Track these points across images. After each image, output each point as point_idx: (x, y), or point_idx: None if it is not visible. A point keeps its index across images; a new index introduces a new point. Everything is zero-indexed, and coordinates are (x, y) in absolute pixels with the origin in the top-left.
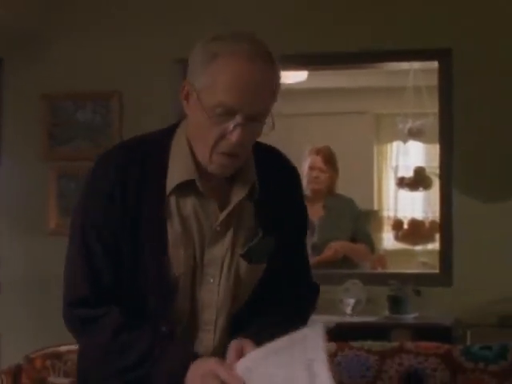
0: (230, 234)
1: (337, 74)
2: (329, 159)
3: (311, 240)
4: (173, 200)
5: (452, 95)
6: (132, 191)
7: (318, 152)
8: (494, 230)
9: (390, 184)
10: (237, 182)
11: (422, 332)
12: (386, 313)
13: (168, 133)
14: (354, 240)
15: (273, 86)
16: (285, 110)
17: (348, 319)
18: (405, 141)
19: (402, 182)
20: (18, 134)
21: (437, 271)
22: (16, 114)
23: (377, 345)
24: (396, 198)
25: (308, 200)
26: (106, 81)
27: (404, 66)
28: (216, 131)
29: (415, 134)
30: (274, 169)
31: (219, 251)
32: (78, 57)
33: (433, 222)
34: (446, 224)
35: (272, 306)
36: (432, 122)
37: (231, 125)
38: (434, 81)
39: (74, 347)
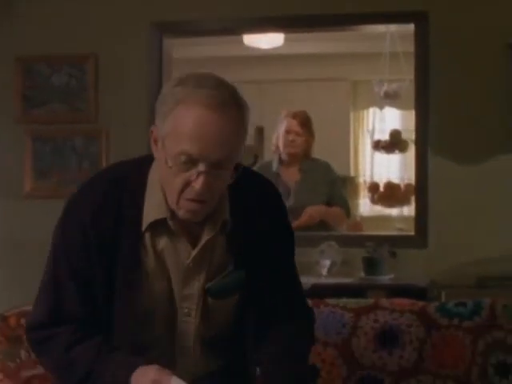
0: (203, 270)
1: (314, 40)
2: (305, 123)
3: (287, 203)
4: (148, 237)
5: (428, 58)
6: (108, 228)
7: (294, 116)
8: (469, 193)
9: (366, 150)
10: (209, 219)
11: (398, 293)
12: (362, 274)
13: (144, 169)
14: (329, 204)
15: (237, 133)
16: (261, 76)
17: (323, 280)
18: (381, 107)
19: (378, 145)
20: None
21: (412, 233)
22: None
23: (352, 302)
24: (372, 163)
25: (284, 164)
26: (81, 43)
27: (381, 29)
28: (181, 178)
29: (391, 97)
30: (252, 200)
31: (195, 287)
32: (52, 19)
33: (408, 185)
34: (421, 186)
35: (270, 336)
36: (408, 86)
37: (195, 172)
38: (410, 47)
39: None
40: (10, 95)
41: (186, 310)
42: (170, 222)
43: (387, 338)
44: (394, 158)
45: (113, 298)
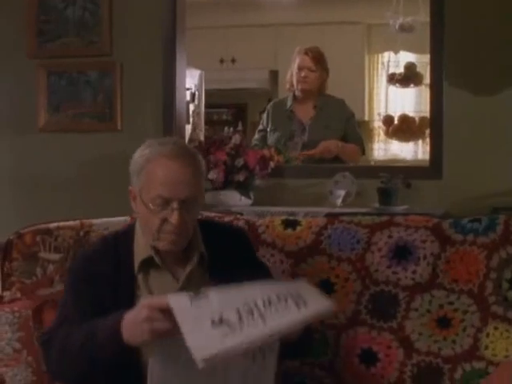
0: None
1: None
2: (318, 58)
3: (302, 139)
4: (140, 276)
5: None
6: (107, 273)
7: (306, 52)
8: (484, 124)
9: (380, 94)
10: (188, 255)
11: None
12: (376, 205)
13: (130, 226)
14: (344, 141)
15: (196, 175)
16: (275, 20)
17: (338, 210)
18: (396, 51)
19: (393, 78)
20: (6, 31)
21: (427, 164)
22: (3, 12)
23: (366, 219)
24: (386, 101)
25: (298, 101)
26: None
27: None
28: (159, 218)
29: (406, 30)
30: (221, 238)
31: None
32: None
33: (423, 119)
34: (436, 116)
35: None
36: (423, 21)
37: (169, 211)
38: None
39: (64, 223)
40: (23, 30)
41: None
42: (156, 257)
43: (401, 253)
44: (409, 95)
45: None
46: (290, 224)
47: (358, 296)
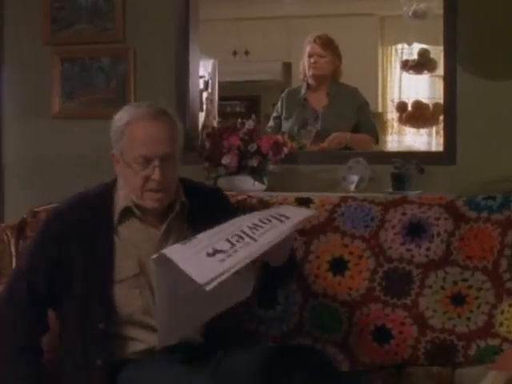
0: (171, 242)
1: None
2: (327, 44)
3: (315, 127)
4: (121, 227)
5: None
6: (85, 218)
7: (314, 39)
8: (498, 109)
9: (394, 87)
10: (170, 204)
11: None
12: (389, 190)
13: (109, 184)
14: (357, 129)
15: (173, 134)
16: (288, 12)
17: (351, 196)
18: (410, 43)
19: (407, 65)
20: (19, 19)
21: (441, 150)
22: (18, 0)
23: (380, 197)
24: (400, 91)
25: (311, 89)
26: None
27: None
28: (142, 176)
29: (420, 16)
30: (200, 194)
31: None
32: None
33: (437, 105)
34: (450, 102)
35: None
36: (437, 8)
37: (151, 168)
38: None
39: None
40: (37, 17)
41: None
42: (135, 209)
43: (415, 230)
44: (423, 82)
45: (87, 277)
46: (304, 202)
47: (371, 273)
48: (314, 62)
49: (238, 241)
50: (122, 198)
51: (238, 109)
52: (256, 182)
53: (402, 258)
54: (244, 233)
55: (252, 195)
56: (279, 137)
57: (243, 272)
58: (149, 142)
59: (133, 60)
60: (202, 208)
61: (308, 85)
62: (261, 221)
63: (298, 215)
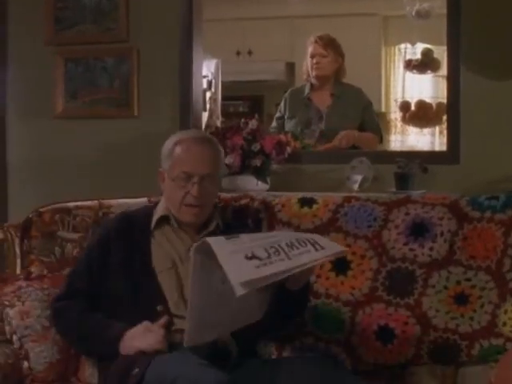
0: None
1: None
2: (328, 44)
3: (319, 127)
4: (157, 232)
5: None
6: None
7: (316, 40)
8: (501, 108)
9: (397, 86)
10: (205, 223)
11: None
12: (393, 190)
13: (152, 205)
14: (362, 129)
15: (214, 157)
16: (291, 12)
17: (354, 195)
18: (413, 43)
19: (410, 64)
20: (22, 19)
21: (444, 149)
22: (21, 0)
23: (383, 196)
24: (403, 90)
25: (315, 89)
26: None
27: None
28: (182, 190)
29: (423, 16)
30: (235, 217)
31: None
32: None
33: (440, 104)
34: (453, 101)
35: None
36: (440, 7)
37: (191, 184)
38: None
39: (83, 203)
40: (40, 17)
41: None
42: (172, 219)
43: (418, 230)
44: (426, 82)
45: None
46: (307, 202)
47: (374, 273)
48: (317, 63)
49: (274, 253)
50: (162, 209)
51: (241, 109)
52: (259, 182)
53: (405, 257)
54: (281, 247)
55: (255, 196)
56: (282, 136)
57: (262, 292)
58: (191, 161)
59: (136, 60)
60: (235, 231)
61: (311, 84)
62: (298, 241)
63: (332, 249)
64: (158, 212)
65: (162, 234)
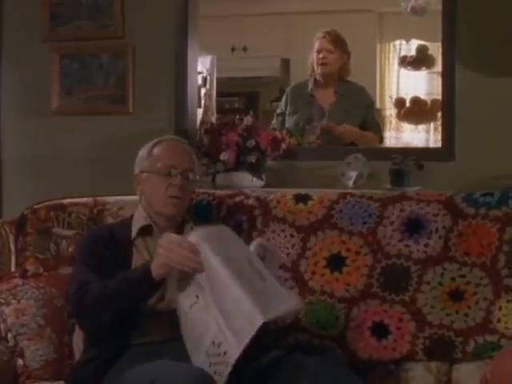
0: None
1: None
2: (335, 40)
3: (321, 124)
4: (137, 241)
5: None
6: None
7: (324, 35)
8: (496, 105)
9: (392, 83)
10: (180, 227)
11: None
12: (388, 186)
13: (128, 219)
14: (363, 128)
15: (193, 158)
16: (287, 9)
17: (349, 192)
18: (408, 40)
19: (405, 61)
20: (18, 15)
21: (439, 146)
22: None
23: (378, 193)
24: (398, 87)
25: (319, 85)
26: None
27: None
28: (165, 182)
29: (418, 13)
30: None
31: None
32: None
33: (435, 101)
34: (448, 98)
35: None
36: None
37: (174, 176)
38: None
39: (78, 200)
40: (36, 14)
41: None
42: (154, 226)
43: (413, 226)
44: (420, 78)
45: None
46: (302, 199)
47: (369, 269)
48: (323, 58)
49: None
50: (142, 218)
51: (236, 105)
52: (254, 178)
53: (400, 254)
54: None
55: (249, 193)
56: (277, 133)
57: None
58: (173, 155)
59: (132, 56)
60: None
61: (315, 81)
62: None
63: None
64: (139, 221)
65: (143, 244)
